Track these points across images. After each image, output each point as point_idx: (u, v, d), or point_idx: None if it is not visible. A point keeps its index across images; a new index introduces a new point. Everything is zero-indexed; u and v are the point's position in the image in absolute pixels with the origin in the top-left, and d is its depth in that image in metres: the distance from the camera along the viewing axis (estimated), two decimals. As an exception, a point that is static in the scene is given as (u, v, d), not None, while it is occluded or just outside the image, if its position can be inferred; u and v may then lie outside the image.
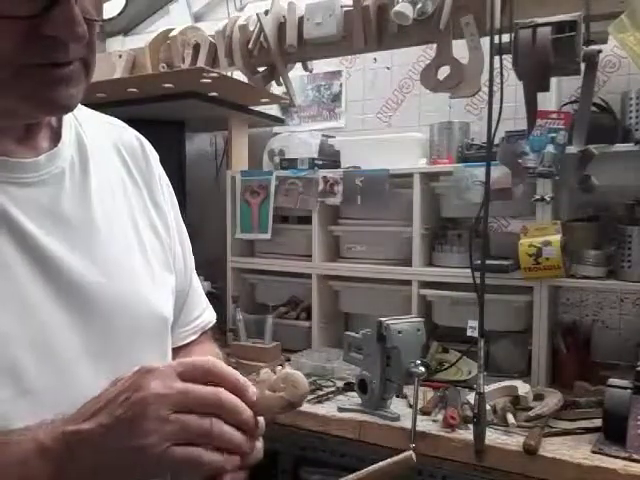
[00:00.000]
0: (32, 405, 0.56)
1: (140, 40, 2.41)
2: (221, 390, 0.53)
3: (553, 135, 1.55)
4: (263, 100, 2.17)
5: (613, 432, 1.28)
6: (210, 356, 0.58)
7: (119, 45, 2.68)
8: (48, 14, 0.53)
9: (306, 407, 1.52)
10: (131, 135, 0.79)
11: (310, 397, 1.60)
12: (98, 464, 0.50)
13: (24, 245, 0.59)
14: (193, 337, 0.86)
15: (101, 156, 0.71)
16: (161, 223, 0.76)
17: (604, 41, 1.57)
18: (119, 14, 0.59)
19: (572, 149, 1.55)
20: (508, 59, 1.51)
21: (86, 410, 0.52)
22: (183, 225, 0.84)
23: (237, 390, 0.54)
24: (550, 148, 1.55)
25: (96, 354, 0.62)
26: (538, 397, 1.49)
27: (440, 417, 1.42)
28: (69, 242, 0.63)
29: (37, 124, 0.65)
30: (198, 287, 0.89)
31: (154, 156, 0.81)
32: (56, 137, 0.67)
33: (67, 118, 0.69)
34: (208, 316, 0.90)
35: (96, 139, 0.72)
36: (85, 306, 0.62)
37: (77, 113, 0.71)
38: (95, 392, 0.56)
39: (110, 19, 0.55)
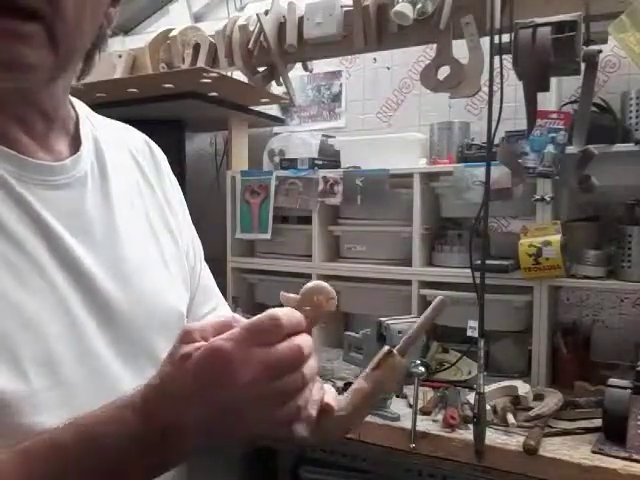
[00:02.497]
0: (66, 396, 0.58)
1: (140, 40, 2.41)
2: (299, 346, 0.51)
3: (553, 135, 1.55)
4: (263, 100, 2.17)
5: (613, 432, 1.28)
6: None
7: (119, 45, 2.68)
8: None
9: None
10: (140, 138, 0.81)
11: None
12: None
13: (52, 245, 0.61)
14: None
15: (117, 159, 0.73)
16: (174, 222, 0.79)
17: (604, 41, 1.56)
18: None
19: (572, 149, 1.54)
20: (508, 59, 1.50)
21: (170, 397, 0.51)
22: (191, 223, 0.86)
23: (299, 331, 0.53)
24: (550, 148, 1.55)
25: (121, 349, 0.65)
26: (538, 397, 1.49)
27: (440, 417, 1.42)
28: (93, 244, 0.65)
29: (53, 124, 0.65)
30: (209, 284, 0.89)
31: (163, 157, 0.83)
32: (75, 143, 0.68)
33: (85, 122, 0.71)
34: (220, 312, 0.90)
35: (110, 143, 0.73)
36: (108, 305, 0.64)
37: (91, 117, 0.74)
38: (123, 383, 0.62)
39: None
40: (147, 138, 0.82)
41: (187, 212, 0.85)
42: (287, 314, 0.52)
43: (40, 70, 0.56)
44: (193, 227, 0.87)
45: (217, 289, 0.92)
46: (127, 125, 0.81)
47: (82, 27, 0.58)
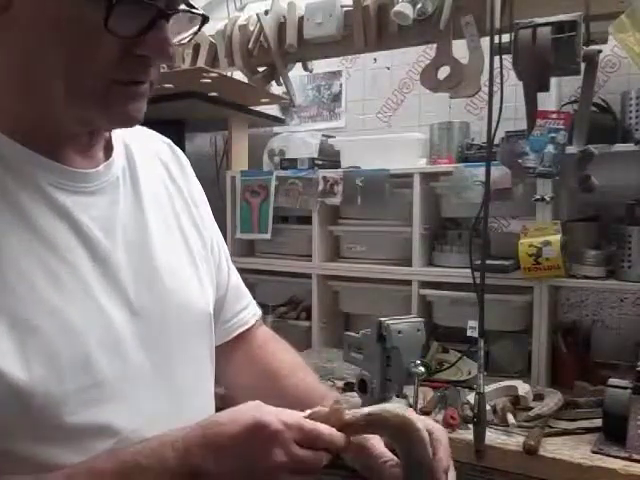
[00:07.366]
0: (100, 396, 0.62)
1: (140, 40, 2.41)
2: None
3: (553, 135, 1.54)
4: (263, 100, 2.17)
5: (613, 432, 1.28)
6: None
7: (119, 45, 2.68)
8: (144, 36, 0.59)
9: (306, 407, 1.51)
10: (163, 142, 0.86)
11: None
12: None
13: (89, 248, 0.65)
14: (240, 330, 0.92)
15: (145, 162, 0.77)
16: (200, 219, 0.83)
17: (604, 41, 1.56)
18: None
19: (572, 149, 1.54)
20: (508, 59, 1.50)
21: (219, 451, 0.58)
22: (215, 223, 0.90)
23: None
24: (550, 148, 1.54)
25: (152, 349, 0.68)
26: (538, 397, 1.49)
27: (440, 417, 1.42)
28: (125, 245, 0.69)
29: (98, 137, 0.70)
30: (238, 283, 0.96)
31: (185, 159, 0.87)
32: (108, 148, 0.73)
33: (116, 130, 0.75)
34: (253, 309, 0.96)
35: (138, 146, 0.77)
36: (139, 304, 0.68)
37: None
38: (153, 386, 0.67)
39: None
40: (169, 141, 0.86)
41: (210, 212, 0.89)
42: (332, 434, 0.61)
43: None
44: (217, 226, 0.91)
45: (245, 287, 0.99)
46: (150, 130, 0.85)
47: None
